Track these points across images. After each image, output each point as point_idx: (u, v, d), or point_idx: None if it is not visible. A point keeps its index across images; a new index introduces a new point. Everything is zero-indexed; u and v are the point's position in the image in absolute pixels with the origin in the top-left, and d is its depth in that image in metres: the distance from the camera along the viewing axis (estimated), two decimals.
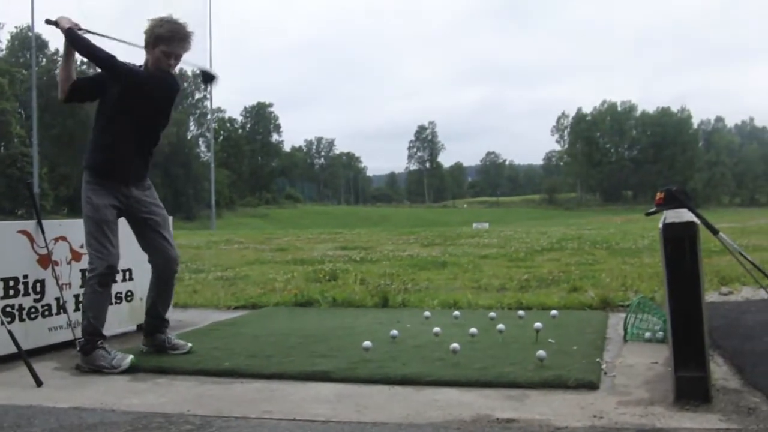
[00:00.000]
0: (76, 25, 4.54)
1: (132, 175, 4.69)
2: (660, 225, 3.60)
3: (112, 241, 4.54)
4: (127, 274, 5.66)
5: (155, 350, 4.84)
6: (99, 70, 4.65)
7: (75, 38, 4.50)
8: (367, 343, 4.53)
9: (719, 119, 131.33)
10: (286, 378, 4.11)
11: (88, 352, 4.43)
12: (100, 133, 4.65)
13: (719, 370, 4.06)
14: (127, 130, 4.59)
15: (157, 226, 4.78)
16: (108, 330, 5.46)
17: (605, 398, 3.58)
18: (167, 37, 4.52)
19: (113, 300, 5.50)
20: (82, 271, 5.26)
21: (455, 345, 4.36)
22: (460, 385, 3.84)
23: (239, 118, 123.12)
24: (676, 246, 3.47)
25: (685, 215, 3.80)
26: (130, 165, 4.67)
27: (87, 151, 4.70)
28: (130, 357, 4.42)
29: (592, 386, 3.75)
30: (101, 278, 4.49)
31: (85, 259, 5.22)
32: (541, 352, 4.17)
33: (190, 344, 4.86)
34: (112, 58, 4.49)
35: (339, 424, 3.26)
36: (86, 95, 4.76)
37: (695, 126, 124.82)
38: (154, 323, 4.88)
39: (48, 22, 4.57)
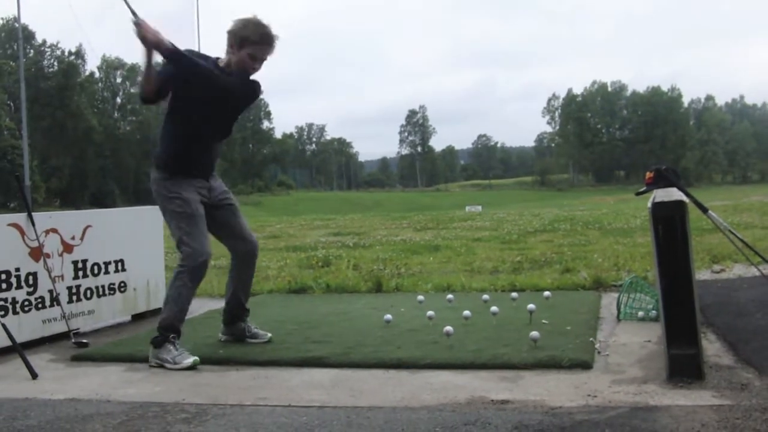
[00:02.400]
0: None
1: (212, 167, 4.63)
2: (649, 204, 3.61)
3: (205, 235, 4.41)
4: (119, 264, 5.66)
5: (234, 339, 4.74)
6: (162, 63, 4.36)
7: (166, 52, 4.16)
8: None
9: (709, 98, 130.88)
10: (281, 365, 4.13)
11: (158, 345, 4.30)
12: (178, 129, 4.45)
13: (712, 347, 4.09)
14: (205, 126, 4.44)
15: (237, 212, 4.73)
16: (102, 321, 5.50)
17: (599, 377, 3.60)
18: (254, 41, 4.33)
19: (106, 291, 5.52)
20: (74, 263, 5.26)
21: (449, 328, 4.38)
22: (454, 368, 3.86)
23: None
24: (665, 225, 3.49)
25: (674, 194, 3.81)
26: (210, 159, 4.58)
27: (162, 149, 4.49)
28: (195, 358, 4.20)
29: (585, 366, 3.77)
30: (193, 273, 4.36)
31: (77, 251, 5.28)
32: (534, 333, 4.19)
33: (269, 334, 4.75)
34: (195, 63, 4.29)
35: (334, 410, 3.27)
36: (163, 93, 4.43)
37: (686, 105, 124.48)
38: (235, 312, 4.77)
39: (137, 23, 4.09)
